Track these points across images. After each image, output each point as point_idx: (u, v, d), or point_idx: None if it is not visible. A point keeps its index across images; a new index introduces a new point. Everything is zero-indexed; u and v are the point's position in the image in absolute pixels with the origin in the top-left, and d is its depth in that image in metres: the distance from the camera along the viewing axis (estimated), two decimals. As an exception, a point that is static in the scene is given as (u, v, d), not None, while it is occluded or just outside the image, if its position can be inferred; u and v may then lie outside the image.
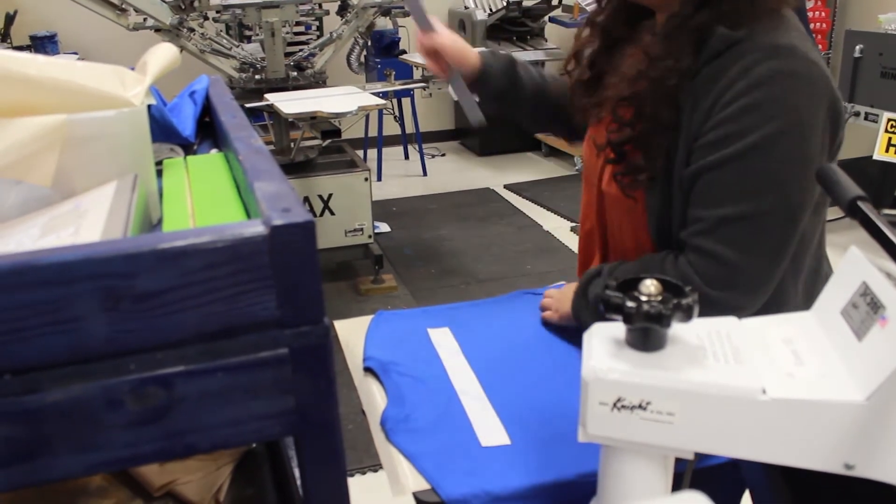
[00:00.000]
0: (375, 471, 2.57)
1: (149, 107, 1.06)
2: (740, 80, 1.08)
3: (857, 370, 0.79)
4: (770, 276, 1.15)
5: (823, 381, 0.80)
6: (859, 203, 0.89)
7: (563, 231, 4.71)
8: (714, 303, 1.11)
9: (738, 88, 1.08)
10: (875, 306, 0.79)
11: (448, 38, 1.39)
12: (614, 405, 0.82)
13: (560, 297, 1.45)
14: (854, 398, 0.77)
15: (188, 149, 1.29)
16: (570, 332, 1.39)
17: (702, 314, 0.91)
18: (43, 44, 4.85)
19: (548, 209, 5.12)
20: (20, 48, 4.89)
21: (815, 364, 0.83)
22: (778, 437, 0.80)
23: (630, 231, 1.31)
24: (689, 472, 0.92)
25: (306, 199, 3.77)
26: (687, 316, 0.79)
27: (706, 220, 1.13)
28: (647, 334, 0.83)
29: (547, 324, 1.46)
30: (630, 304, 0.79)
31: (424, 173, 6.00)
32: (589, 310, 1.28)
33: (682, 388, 0.80)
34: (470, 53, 1.43)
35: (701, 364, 0.82)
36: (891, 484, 0.80)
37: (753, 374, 0.82)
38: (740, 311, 1.03)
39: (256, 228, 0.62)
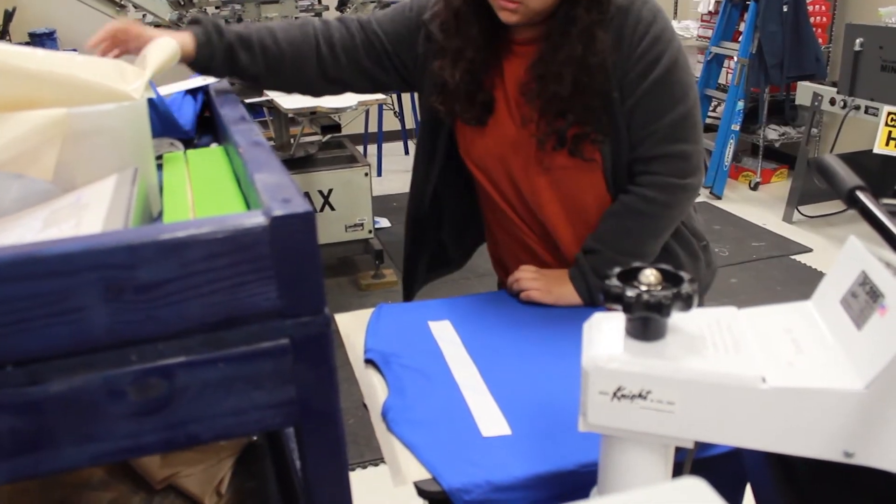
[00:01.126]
0: (377, 465, 2.57)
1: (149, 101, 1.06)
2: (639, 24, 1.35)
3: (857, 359, 0.80)
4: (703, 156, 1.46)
5: (823, 370, 0.81)
6: (858, 193, 0.89)
7: (563, 225, 4.71)
8: (688, 188, 1.43)
9: (640, 31, 1.35)
10: (874, 295, 0.79)
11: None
12: (614, 394, 0.82)
13: (550, 277, 1.50)
14: (853, 386, 0.77)
15: (188, 143, 1.30)
16: (570, 323, 1.40)
17: (681, 203, 1.44)
18: (42, 41, 4.84)
19: (548, 203, 5.11)
20: (19, 45, 4.88)
21: (814, 353, 0.83)
22: (778, 426, 0.81)
23: (590, 189, 1.47)
24: (690, 461, 0.92)
25: (306, 195, 3.77)
26: (687, 305, 0.80)
27: (659, 129, 1.39)
28: (646, 324, 0.83)
29: (546, 316, 1.46)
30: (630, 293, 0.79)
31: (424, 168, 5.99)
32: (595, 285, 1.45)
33: (682, 378, 0.80)
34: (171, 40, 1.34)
35: (701, 353, 0.82)
36: (890, 472, 0.80)
37: (753, 362, 0.82)
38: (698, 189, 1.45)
39: (257, 219, 0.63)
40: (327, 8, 4.60)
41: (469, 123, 1.49)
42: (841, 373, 0.80)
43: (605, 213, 1.47)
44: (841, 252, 0.88)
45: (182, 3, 3.86)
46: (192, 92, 1.44)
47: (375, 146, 5.89)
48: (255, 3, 3.89)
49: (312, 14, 4.83)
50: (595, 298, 1.46)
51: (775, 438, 0.82)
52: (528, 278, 1.51)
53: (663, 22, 1.38)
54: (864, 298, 0.81)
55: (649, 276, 0.81)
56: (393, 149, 6.25)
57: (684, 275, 0.82)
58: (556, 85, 1.36)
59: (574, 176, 1.45)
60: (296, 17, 4.28)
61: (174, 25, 3.88)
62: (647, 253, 1.46)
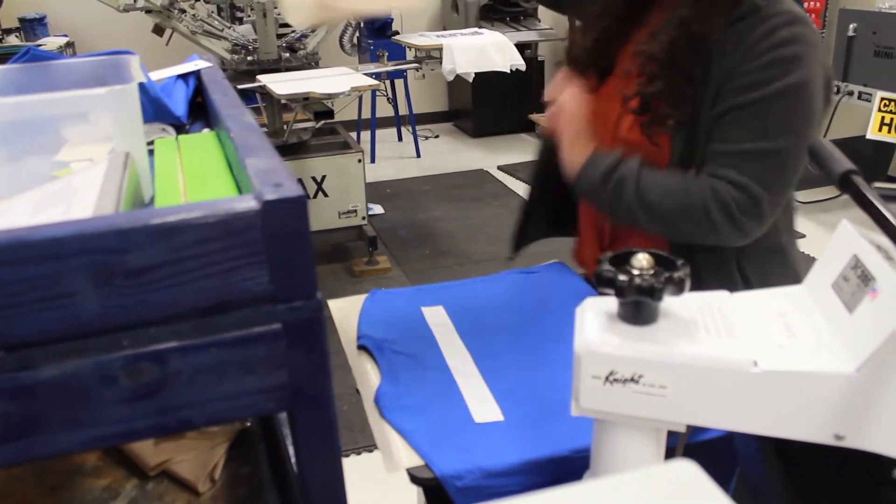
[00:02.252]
0: (371, 451, 2.58)
1: (140, 85, 1.06)
2: (766, 39, 1.25)
3: (848, 342, 0.80)
4: (775, 212, 1.29)
5: (814, 354, 0.81)
6: (851, 177, 0.89)
7: (556, 212, 4.71)
8: (741, 229, 1.27)
9: (763, 46, 1.24)
10: (866, 278, 0.80)
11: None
12: (607, 378, 0.82)
13: (580, 138, 1.39)
14: (844, 369, 0.78)
15: (180, 129, 1.29)
16: (563, 308, 1.40)
17: (706, 232, 1.27)
18: (32, 26, 4.82)
19: (541, 190, 5.11)
20: (8, 31, 4.86)
21: (806, 337, 0.84)
22: (769, 409, 0.81)
23: None
24: (682, 446, 0.92)
25: (300, 181, 3.76)
26: (679, 289, 0.80)
27: (730, 154, 1.27)
28: (639, 308, 0.83)
29: (539, 302, 1.46)
30: (622, 277, 0.79)
31: (418, 155, 5.99)
32: (593, 185, 1.35)
33: (674, 362, 0.81)
34: None
35: (693, 337, 0.83)
36: (880, 455, 0.81)
37: (745, 346, 0.82)
38: (750, 238, 1.29)
39: (248, 203, 0.62)
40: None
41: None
42: (832, 356, 0.80)
43: (671, 170, 1.34)
44: (833, 236, 0.88)
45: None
46: (184, 77, 1.43)
47: (369, 133, 5.88)
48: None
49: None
50: (579, 187, 1.38)
51: (767, 422, 0.82)
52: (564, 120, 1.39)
53: (798, 51, 1.25)
54: (856, 282, 0.81)
55: (642, 260, 0.81)
56: (386, 135, 6.25)
57: (677, 259, 0.82)
58: (656, 45, 1.30)
59: (636, 152, 1.36)
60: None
61: (165, 11, 3.85)
62: (639, 223, 1.33)
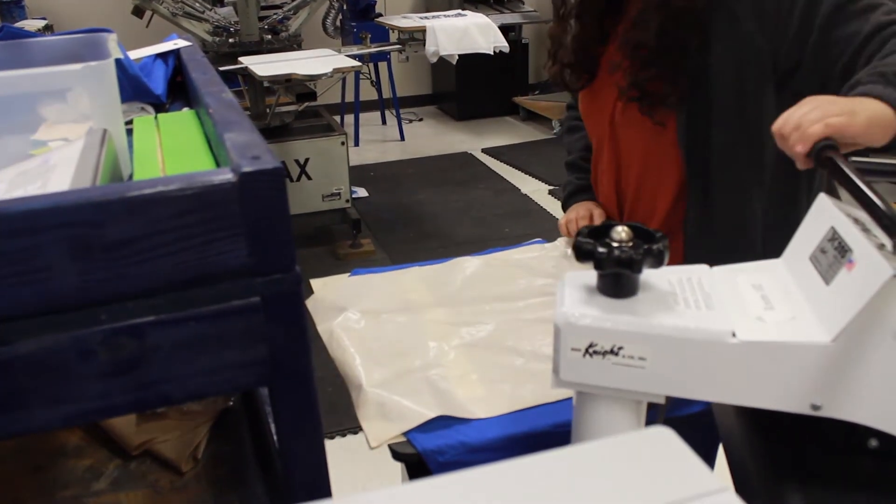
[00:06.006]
0: (356, 433, 2.58)
1: (117, 62, 1.05)
2: None
3: (825, 313, 0.81)
4: None
5: (791, 325, 0.82)
6: (827, 151, 0.90)
7: (540, 194, 4.72)
8: None
9: None
10: (842, 250, 0.80)
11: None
12: (586, 351, 0.83)
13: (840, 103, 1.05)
14: (820, 340, 0.79)
15: (160, 108, 1.28)
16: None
17: None
18: (10, 9, 4.76)
19: (526, 173, 5.12)
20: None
21: (783, 309, 0.85)
22: (747, 380, 0.82)
23: (656, 156, 1.37)
24: (661, 418, 0.93)
25: (283, 165, 3.75)
26: (657, 261, 0.80)
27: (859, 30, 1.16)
28: (618, 280, 0.83)
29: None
30: (601, 249, 0.80)
31: (402, 138, 5.97)
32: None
33: (654, 333, 0.81)
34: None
35: (672, 309, 0.83)
36: (856, 425, 0.82)
37: (723, 318, 0.83)
38: None
39: (225, 176, 0.62)
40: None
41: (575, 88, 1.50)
42: (809, 327, 0.81)
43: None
44: (811, 210, 0.89)
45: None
46: (163, 56, 1.42)
47: (352, 116, 5.85)
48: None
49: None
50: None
51: (745, 392, 0.83)
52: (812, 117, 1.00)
53: None
54: (833, 254, 0.82)
55: (621, 232, 0.81)
56: (370, 118, 6.22)
57: (656, 232, 0.83)
58: (642, 32, 1.29)
59: (640, 137, 1.38)
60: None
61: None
62: None
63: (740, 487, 1.00)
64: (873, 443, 0.88)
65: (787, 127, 0.99)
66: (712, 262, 0.95)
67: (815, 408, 0.81)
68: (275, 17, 4.31)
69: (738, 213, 1.35)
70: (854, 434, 0.86)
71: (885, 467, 0.90)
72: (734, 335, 0.81)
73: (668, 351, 0.82)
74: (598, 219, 1.52)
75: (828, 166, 0.90)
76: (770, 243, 1.31)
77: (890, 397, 0.80)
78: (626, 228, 0.81)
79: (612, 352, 0.82)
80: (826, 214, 0.85)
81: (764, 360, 0.81)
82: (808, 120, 0.97)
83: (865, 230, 0.80)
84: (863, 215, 0.82)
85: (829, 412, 0.81)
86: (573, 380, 0.86)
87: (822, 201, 0.87)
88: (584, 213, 1.54)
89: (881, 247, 0.77)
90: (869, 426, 0.82)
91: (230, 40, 4.05)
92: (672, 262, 0.87)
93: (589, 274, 0.86)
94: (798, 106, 1.02)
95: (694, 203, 1.34)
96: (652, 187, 1.40)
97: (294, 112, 4.02)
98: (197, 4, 4.16)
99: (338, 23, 5.06)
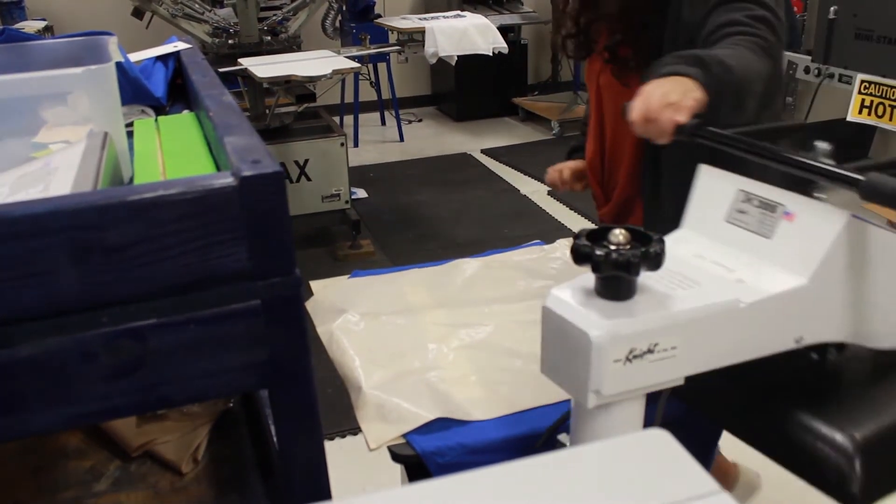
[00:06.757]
0: (355, 434, 2.58)
1: (117, 65, 1.05)
2: None
3: (785, 260, 0.89)
4: None
5: (767, 278, 0.90)
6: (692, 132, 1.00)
7: (539, 195, 4.71)
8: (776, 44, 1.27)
9: None
10: (770, 207, 0.89)
11: None
12: (627, 358, 0.84)
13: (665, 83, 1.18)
14: (799, 282, 0.87)
15: (160, 110, 1.28)
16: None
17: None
18: (10, 10, 4.76)
19: (525, 173, 5.11)
20: None
21: (744, 268, 0.92)
22: (751, 336, 0.89)
23: (623, 120, 1.39)
24: (660, 415, 0.94)
25: (282, 166, 3.74)
26: (654, 264, 0.81)
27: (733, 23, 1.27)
28: (619, 282, 0.84)
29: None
30: (599, 252, 0.80)
31: (401, 139, 5.97)
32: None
33: (683, 320, 0.85)
34: None
35: (677, 296, 0.86)
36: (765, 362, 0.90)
37: (717, 290, 0.89)
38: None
39: (226, 180, 0.62)
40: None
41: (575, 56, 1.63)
42: (779, 275, 0.89)
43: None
44: (697, 180, 0.98)
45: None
46: (163, 59, 1.43)
47: (352, 117, 5.85)
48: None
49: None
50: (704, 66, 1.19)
51: (750, 348, 0.90)
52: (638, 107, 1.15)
53: None
54: (760, 211, 0.90)
55: (618, 235, 0.81)
56: (369, 119, 6.22)
57: (652, 234, 0.83)
58: (606, 4, 1.45)
59: (614, 101, 1.49)
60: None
61: None
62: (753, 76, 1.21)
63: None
64: (814, 356, 0.99)
65: (642, 122, 1.09)
66: (665, 229, 1.00)
67: (798, 341, 0.90)
68: (274, 18, 4.31)
69: (685, 181, 1.37)
70: (764, 371, 0.95)
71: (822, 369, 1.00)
72: (740, 301, 0.87)
73: (696, 332, 0.86)
74: (566, 172, 1.67)
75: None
76: None
77: (858, 315, 0.91)
78: (623, 231, 0.82)
79: (649, 351, 0.85)
80: (720, 181, 0.94)
81: (764, 315, 0.88)
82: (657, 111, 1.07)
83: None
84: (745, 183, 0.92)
85: (810, 341, 0.91)
86: (617, 390, 0.86)
87: (708, 170, 0.95)
88: (562, 166, 1.69)
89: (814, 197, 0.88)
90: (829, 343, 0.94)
91: (230, 41, 4.05)
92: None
93: (580, 289, 0.87)
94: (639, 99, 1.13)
95: (648, 169, 1.46)
96: (619, 150, 1.52)
97: (293, 113, 4.01)
98: (196, 6, 4.16)
99: (337, 24, 5.06)
